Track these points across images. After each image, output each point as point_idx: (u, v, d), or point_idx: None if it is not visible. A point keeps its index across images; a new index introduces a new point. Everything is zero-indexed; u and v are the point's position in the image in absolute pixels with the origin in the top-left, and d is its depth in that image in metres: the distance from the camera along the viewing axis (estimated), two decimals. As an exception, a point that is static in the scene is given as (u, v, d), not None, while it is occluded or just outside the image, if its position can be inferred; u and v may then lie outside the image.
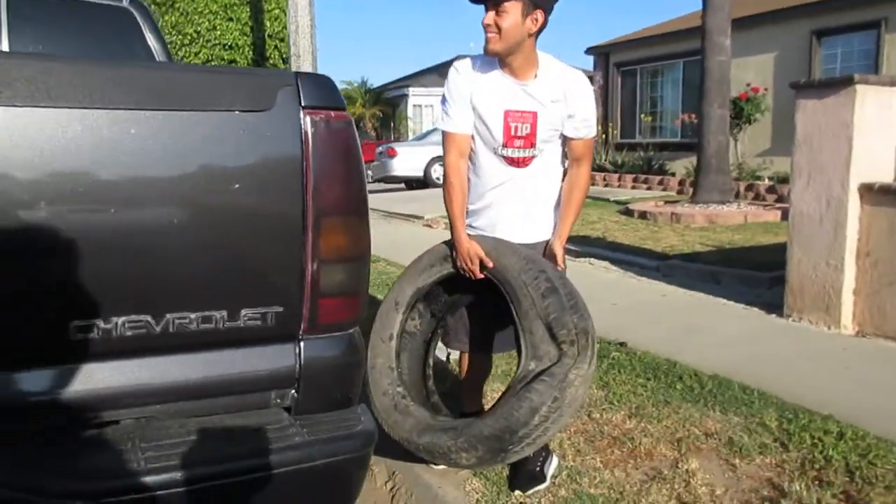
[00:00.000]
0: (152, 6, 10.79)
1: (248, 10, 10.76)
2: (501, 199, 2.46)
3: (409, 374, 2.55)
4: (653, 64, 16.37)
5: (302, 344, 1.61)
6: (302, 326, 1.60)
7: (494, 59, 2.32)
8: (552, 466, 2.59)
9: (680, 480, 2.54)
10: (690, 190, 10.69)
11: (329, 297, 1.60)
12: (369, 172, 20.78)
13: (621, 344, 4.10)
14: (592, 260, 7.02)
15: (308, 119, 1.52)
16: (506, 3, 2.18)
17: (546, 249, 2.50)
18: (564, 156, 2.53)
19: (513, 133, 2.35)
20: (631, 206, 10.17)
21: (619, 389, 3.39)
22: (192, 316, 1.47)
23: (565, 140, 2.45)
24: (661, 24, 17.67)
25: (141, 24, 3.10)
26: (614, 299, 5.43)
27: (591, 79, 15.77)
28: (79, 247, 1.37)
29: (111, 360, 1.44)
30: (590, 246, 7.67)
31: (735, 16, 10.28)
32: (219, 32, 10.69)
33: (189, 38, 10.64)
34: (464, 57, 2.41)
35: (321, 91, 1.56)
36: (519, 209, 2.47)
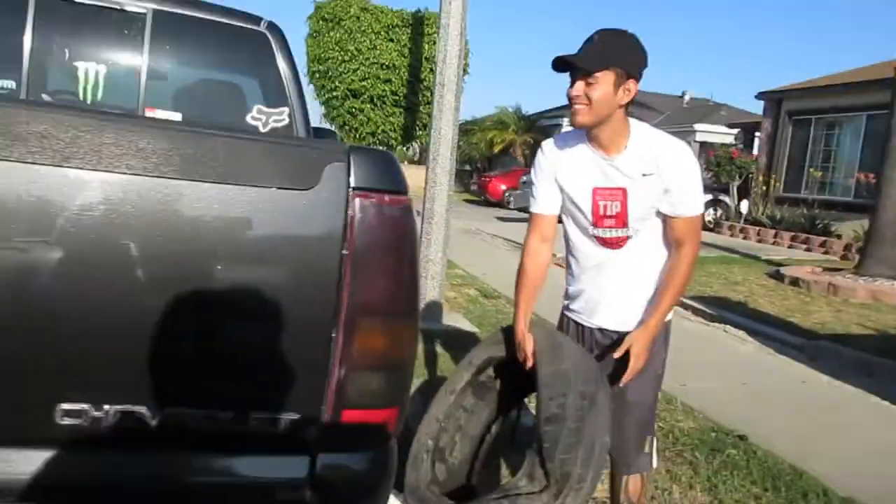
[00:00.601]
0: (321, 22, 11.37)
1: (408, 32, 11.00)
2: (597, 283, 2.25)
3: (460, 436, 2.47)
4: (831, 115, 15.09)
5: (319, 458, 1.42)
6: (321, 437, 1.42)
7: (582, 133, 2.14)
8: None
9: None
10: (856, 257, 9.64)
11: (356, 407, 1.41)
12: (511, 199, 20.73)
13: (740, 437, 3.64)
14: (728, 327, 6.44)
15: (357, 202, 1.35)
16: (597, 73, 1.98)
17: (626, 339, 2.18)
18: None
19: (602, 212, 2.15)
20: (783, 270, 9.31)
21: (727, 497, 2.97)
22: (192, 412, 1.32)
23: (665, 219, 2.16)
24: (844, 72, 16.29)
25: (275, 49, 3.12)
26: (745, 378, 4.91)
27: (758, 125, 14.86)
28: (72, 323, 1.27)
29: (97, 452, 1.31)
30: (727, 311, 7.06)
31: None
32: (378, 52, 10.99)
33: (350, 54, 11.02)
34: (551, 138, 2.31)
35: (377, 170, 1.38)
36: (614, 294, 2.23)
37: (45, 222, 1.24)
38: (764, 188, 16.02)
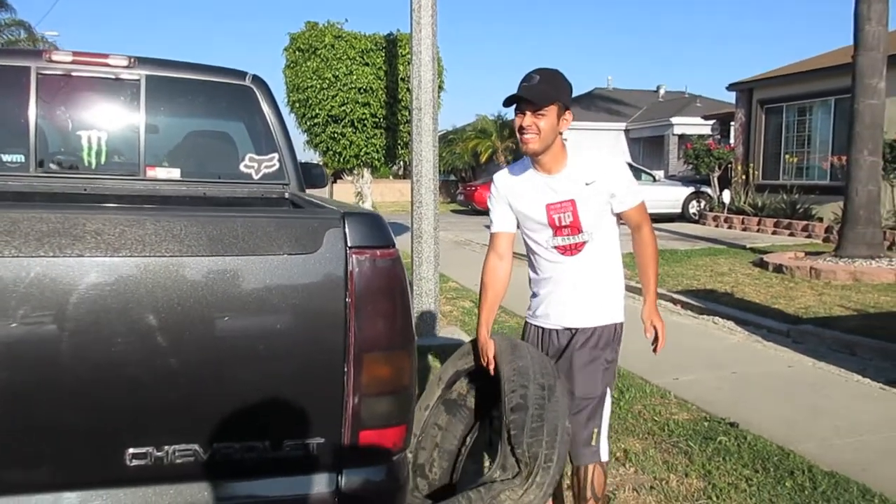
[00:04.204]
0: (297, 52, 11.60)
1: (382, 55, 11.25)
2: (558, 288, 2.56)
3: (438, 453, 2.70)
4: (800, 101, 15.43)
5: (343, 474, 1.66)
6: (343, 457, 1.66)
7: (526, 161, 2.53)
8: None
9: None
10: (837, 238, 9.92)
11: (370, 428, 1.65)
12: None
13: (731, 424, 3.86)
14: (717, 319, 6.67)
15: (354, 258, 1.60)
16: (545, 108, 2.34)
17: (643, 318, 2.61)
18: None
19: (557, 223, 2.48)
20: (766, 258, 9.57)
21: (720, 481, 3.18)
22: (235, 445, 1.56)
23: (619, 216, 2.55)
24: (811, 59, 16.65)
25: (260, 100, 3.34)
26: (734, 367, 5.13)
27: (733, 115, 15.12)
28: (135, 378, 1.50)
29: (161, 485, 1.55)
30: (715, 302, 7.29)
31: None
32: (355, 77, 11.23)
33: (328, 81, 11.25)
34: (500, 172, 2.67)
35: (368, 230, 1.64)
36: (574, 295, 2.53)
37: (102, 304, 1.48)
38: (743, 177, 16.32)
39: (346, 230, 1.61)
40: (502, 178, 2.62)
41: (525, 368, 2.38)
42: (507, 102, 2.40)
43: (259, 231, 1.57)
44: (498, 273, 2.62)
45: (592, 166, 2.47)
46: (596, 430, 2.51)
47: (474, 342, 2.66)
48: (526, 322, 2.75)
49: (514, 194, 2.55)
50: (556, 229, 2.48)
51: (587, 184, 2.44)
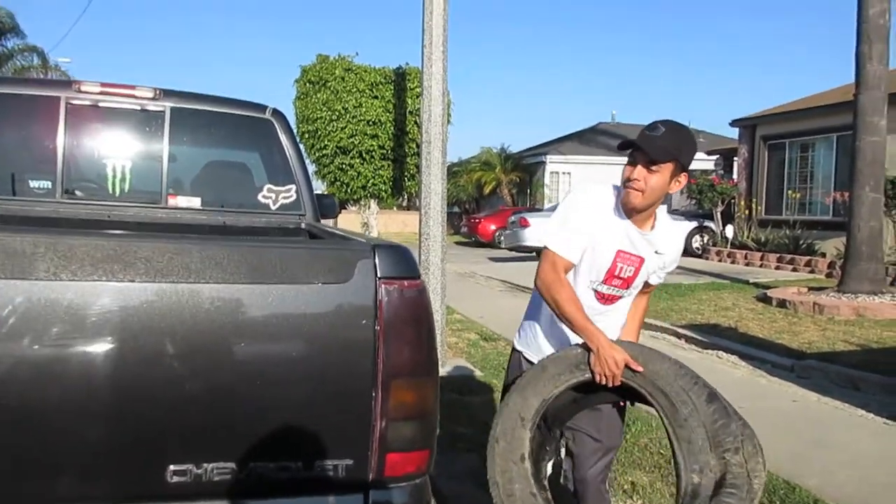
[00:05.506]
0: (307, 84, 11.81)
1: (391, 88, 11.45)
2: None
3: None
4: (803, 138, 15.60)
5: (370, 494, 1.73)
6: (370, 478, 1.73)
7: (618, 194, 2.27)
8: None
9: None
10: (840, 274, 9.97)
11: (396, 451, 1.72)
12: (501, 239, 21.07)
13: (737, 458, 3.88)
14: (721, 353, 6.71)
15: (383, 288, 1.69)
16: (662, 164, 2.13)
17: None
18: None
19: (616, 272, 2.32)
20: (770, 293, 9.61)
21: (726, 514, 3.20)
22: (269, 465, 1.64)
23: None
24: (813, 96, 16.88)
25: (279, 133, 3.45)
26: (739, 401, 5.05)
27: (736, 150, 15.20)
28: (180, 398, 1.58)
29: (198, 502, 1.62)
30: (719, 337, 7.33)
31: None
32: (364, 109, 11.43)
33: (337, 113, 11.45)
34: (594, 186, 2.36)
35: (396, 262, 1.72)
36: None
37: (150, 326, 1.57)
38: (746, 212, 16.42)
39: (377, 261, 1.69)
40: (598, 198, 2.29)
41: (679, 361, 2.21)
42: (623, 147, 2.21)
43: (296, 261, 1.67)
44: (570, 285, 2.27)
45: (669, 239, 2.34)
46: (608, 474, 2.49)
47: (577, 352, 2.26)
48: (519, 354, 2.54)
49: (599, 222, 2.26)
50: (610, 277, 2.31)
51: (657, 252, 2.32)
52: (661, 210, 2.34)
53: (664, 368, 2.17)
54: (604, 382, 2.19)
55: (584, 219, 2.26)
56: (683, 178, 2.21)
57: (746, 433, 2.10)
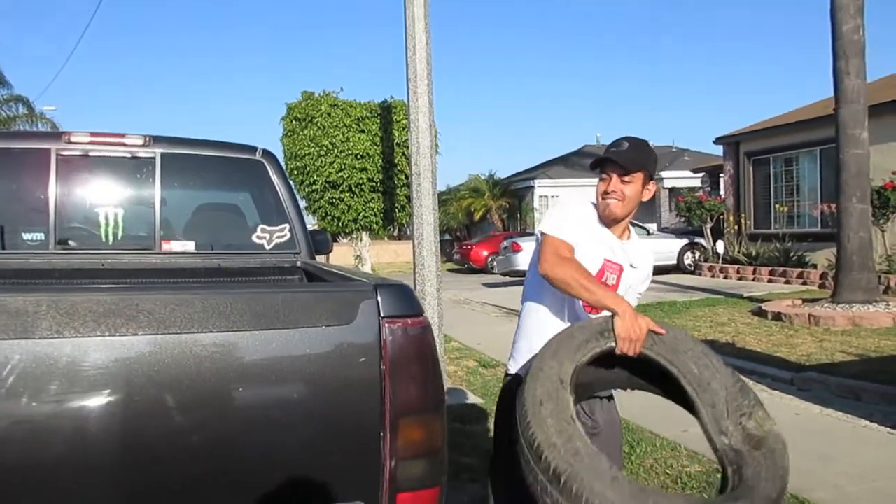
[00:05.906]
0: (294, 121, 11.89)
1: (378, 121, 11.54)
2: None
3: None
4: (786, 152, 15.77)
5: None
6: None
7: (594, 208, 2.45)
8: None
9: None
10: (833, 284, 10.02)
11: (406, 490, 1.71)
12: (494, 264, 21.08)
13: (743, 476, 3.86)
14: (719, 369, 6.69)
15: (387, 328, 1.69)
16: (634, 174, 2.33)
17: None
18: None
19: (603, 280, 2.38)
20: (764, 307, 9.63)
21: (736, 534, 3.18)
22: None
23: None
24: (793, 111, 17.10)
25: (270, 173, 3.47)
26: (741, 417, 5.13)
27: (721, 167, 15.35)
28: (187, 446, 1.57)
29: None
30: (717, 352, 7.26)
31: (879, 100, 9.79)
32: (351, 143, 11.48)
33: (325, 149, 11.50)
34: (574, 203, 2.48)
35: (399, 300, 1.73)
36: None
37: (154, 378, 1.56)
38: (736, 227, 16.52)
39: (379, 301, 1.70)
40: (589, 209, 2.44)
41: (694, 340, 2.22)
42: (595, 165, 2.40)
43: (299, 305, 1.67)
44: (574, 259, 2.28)
45: (644, 256, 2.53)
46: None
47: (601, 321, 2.19)
48: (514, 375, 2.47)
49: (585, 231, 2.38)
50: None
51: (632, 265, 2.47)
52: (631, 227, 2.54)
53: (681, 335, 2.21)
54: (625, 350, 2.14)
55: (578, 220, 2.39)
56: (653, 186, 2.43)
57: (754, 398, 2.12)
